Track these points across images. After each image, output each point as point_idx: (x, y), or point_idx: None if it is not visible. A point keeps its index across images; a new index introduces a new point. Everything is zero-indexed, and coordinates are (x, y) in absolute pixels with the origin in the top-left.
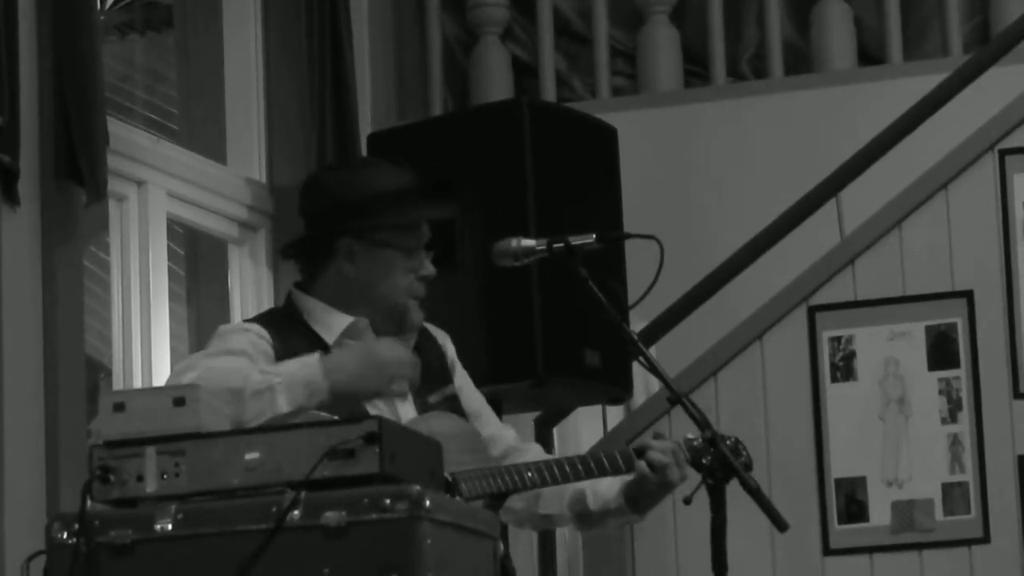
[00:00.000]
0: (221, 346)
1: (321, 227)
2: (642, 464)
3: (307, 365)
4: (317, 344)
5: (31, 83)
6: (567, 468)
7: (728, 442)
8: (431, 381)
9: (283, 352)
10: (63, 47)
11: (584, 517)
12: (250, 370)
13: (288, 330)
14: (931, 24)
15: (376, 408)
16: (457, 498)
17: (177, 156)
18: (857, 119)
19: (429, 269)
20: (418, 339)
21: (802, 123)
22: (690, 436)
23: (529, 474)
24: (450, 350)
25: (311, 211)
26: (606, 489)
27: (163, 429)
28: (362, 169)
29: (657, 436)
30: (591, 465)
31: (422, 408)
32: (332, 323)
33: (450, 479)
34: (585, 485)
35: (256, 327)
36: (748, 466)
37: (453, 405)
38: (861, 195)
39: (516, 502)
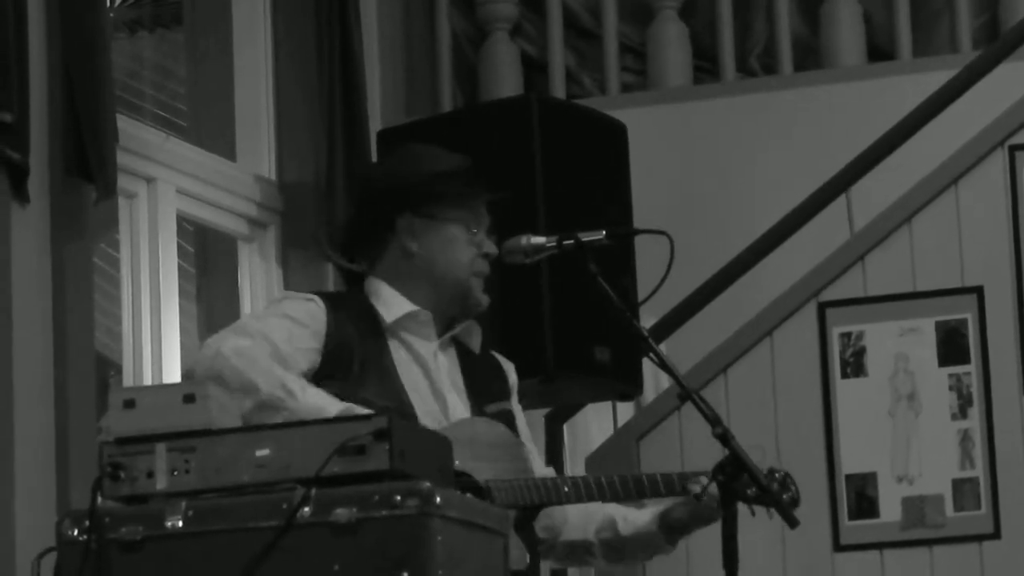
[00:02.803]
0: (277, 309)
1: (379, 209)
2: (699, 498)
3: (329, 400)
4: (373, 321)
5: (40, 80)
6: (605, 486)
7: (778, 475)
8: (489, 393)
9: (334, 329)
10: (72, 44)
11: (613, 544)
12: (279, 379)
13: (346, 309)
14: (940, 20)
15: (423, 400)
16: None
17: (187, 153)
18: (867, 115)
19: (491, 248)
20: (481, 355)
21: (811, 119)
22: (751, 491)
23: (566, 489)
24: (512, 378)
25: (369, 197)
26: (639, 515)
27: (173, 426)
28: (418, 153)
29: (696, 479)
30: (630, 485)
31: (478, 414)
32: (394, 305)
33: (484, 486)
34: (616, 511)
35: (318, 299)
36: (795, 502)
37: (507, 420)
38: (871, 191)
39: (539, 532)
